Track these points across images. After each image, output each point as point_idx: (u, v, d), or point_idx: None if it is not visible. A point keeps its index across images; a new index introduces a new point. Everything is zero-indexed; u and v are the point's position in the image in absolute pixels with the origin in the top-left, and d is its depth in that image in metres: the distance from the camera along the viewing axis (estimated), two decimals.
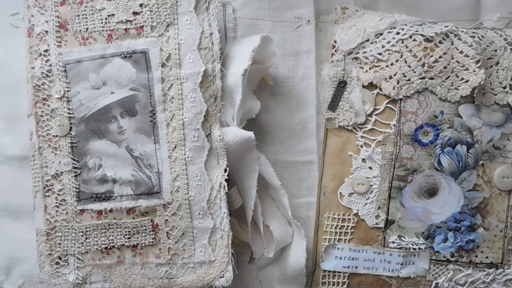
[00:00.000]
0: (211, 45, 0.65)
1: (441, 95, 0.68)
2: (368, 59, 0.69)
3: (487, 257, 0.68)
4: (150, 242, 0.65)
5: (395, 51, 0.68)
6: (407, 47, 0.68)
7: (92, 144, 0.65)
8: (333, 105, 0.69)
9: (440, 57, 0.67)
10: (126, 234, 0.65)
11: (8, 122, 0.72)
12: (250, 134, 0.65)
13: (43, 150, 0.66)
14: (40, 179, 0.66)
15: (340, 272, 0.69)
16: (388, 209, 0.68)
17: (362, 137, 0.69)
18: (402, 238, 0.68)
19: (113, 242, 0.66)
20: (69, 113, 0.66)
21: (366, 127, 0.69)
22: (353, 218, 0.69)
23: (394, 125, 0.68)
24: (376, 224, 0.68)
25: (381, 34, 0.69)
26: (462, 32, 0.68)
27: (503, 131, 0.68)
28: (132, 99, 0.65)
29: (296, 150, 0.73)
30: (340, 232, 0.69)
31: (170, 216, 0.65)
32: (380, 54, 0.68)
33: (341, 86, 0.69)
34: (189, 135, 0.65)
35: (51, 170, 0.66)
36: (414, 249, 0.68)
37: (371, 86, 0.69)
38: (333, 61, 0.70)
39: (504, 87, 0.68)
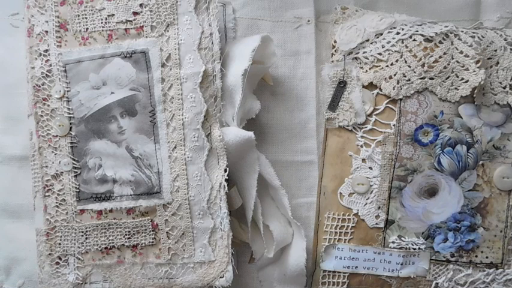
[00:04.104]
0: (211, 45, 0.65)
1: (441, 95, 0.68)
2: (368, 59, 0.69)
3: (487, 257, 0.68)
4: (150, 242, 0.65)
5: (395, 51, 0.68)
6: (407, 47, 0.68)
7: (92, 144, 0.65)
8: (333, 105, 0.69)
9: (440, 57, 0.67)
10: (126, 234, 0.65)
11: (8, 122, 0.72)
12: (250, 134, 0.65)
13: (43, 150, 0.66)
14: (40, 179, 0.66)
15: (340, 272, 0.69)
16: (388, 209, 0.68)
17: (362, 137, 0.69)
18: (402, 238, 0.68)
19: (113, 242, 0.66)
20: (69, 113, 0.66)
21: (366, 127, 0.69)
22: (353, 218, 0.69)
23: (394, 125, 0.68)
24: (376, 224, 0.68)
25: (381, 34, 0.69)
26: (462, 32, 0.68)
27: (503, 131, 0.68)
28: (132, 99, 0.65)
29: (296, 150, 0.73)
30: (340, 232, 0.69)
31: (170, 216, 0.65)
32: (380, 54, 0.68)
33: (341, 86, 0.69)
34: (189, 135, 0.65)
35: (51, 170, 0.66)
36: (414, 249, 0.68)
37: (371, 86, 0.69)
38: (333, 61, 0.70)
39: (504, 87, 0.68)
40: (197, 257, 0.65)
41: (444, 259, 0.68)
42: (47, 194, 0.66)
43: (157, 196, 0.65)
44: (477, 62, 0.67)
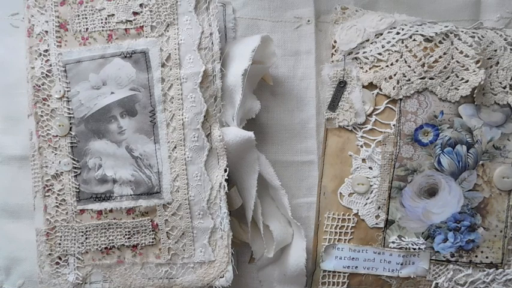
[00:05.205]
0: (211, 45, 0.65)
1: (441, 95, 0.68)
2: (368, 59, 0.69)
3: (487, 257, 0.68)
4: (150, 242, 0.65)
5: (395, 51, 0.68)
6: (407, 47, 0.68)
7: (92, 144, 0.65)
8: (333, 105, 0.69)
9: (440, 57, 0.67)
10: (126, 234, 0.65)
11: (8, 122, 0.72)
12: (250, 134, 0.65)
13: (43, 150, 0.66)
14: (40, 179, 0.66)
15: (340, 272, 0.69)
16: (388, 209, 0.68)
17: (362, 137, 0.69)
18: (402, 238, 0.68)
19: (112, 242, 0.66)
20: (69, 113, 0.66)
21: (366, 127, 0.69)
22: (353, 218, 0.69)
23: (394, 125, 0.68)
24: (376, 224, 0.68)
25: (381, 34, 0.69)
26: (462, 32, 0.68)
27: (503, 131, 0.68)
28: (132, 99, 0.65)
29: (296, 150, 0.73)
30: (340, 232, 0.69)
31: (170, 216, 0.65)
32: (380, 54, 0.68)
33: (341, 86, 0.69)
34: (189, 135, 0.65)
35: (51, 170, 0.66)
36: (414, 249, 0.68)
37: (371, 86, 0.69)
38: (333, 61, 0.70)
39: (504, 87, 0.68)
40: (197, 257, 0.65)
41: (444, 259, 0.68)
42: (47, 194, 0.66)
43: (157, 196, 0.65)
44: (477, 62, 0.67)
